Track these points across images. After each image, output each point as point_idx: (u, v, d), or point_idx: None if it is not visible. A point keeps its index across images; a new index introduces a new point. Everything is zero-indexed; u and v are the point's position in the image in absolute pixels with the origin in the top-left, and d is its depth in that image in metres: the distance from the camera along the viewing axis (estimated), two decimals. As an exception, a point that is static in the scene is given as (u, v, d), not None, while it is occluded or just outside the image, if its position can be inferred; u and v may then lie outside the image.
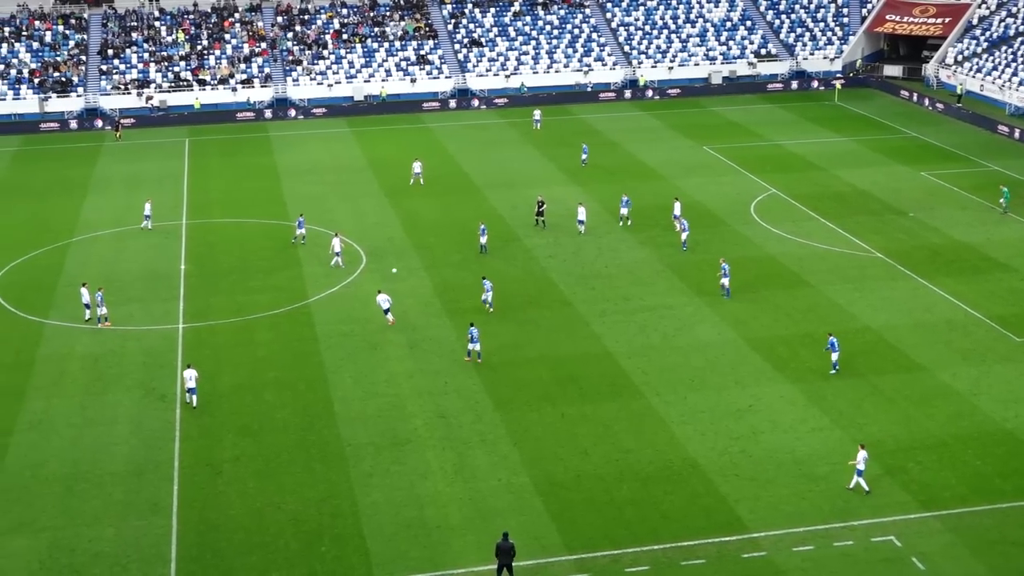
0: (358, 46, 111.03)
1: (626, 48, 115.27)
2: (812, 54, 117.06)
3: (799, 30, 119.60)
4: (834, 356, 50.15)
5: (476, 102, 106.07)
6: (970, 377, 49.47)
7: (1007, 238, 67.39)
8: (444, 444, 44.31)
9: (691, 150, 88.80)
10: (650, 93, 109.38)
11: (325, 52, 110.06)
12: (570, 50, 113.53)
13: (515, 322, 55.55)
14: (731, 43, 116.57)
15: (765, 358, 51.41)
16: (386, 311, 55.11)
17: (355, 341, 53.51)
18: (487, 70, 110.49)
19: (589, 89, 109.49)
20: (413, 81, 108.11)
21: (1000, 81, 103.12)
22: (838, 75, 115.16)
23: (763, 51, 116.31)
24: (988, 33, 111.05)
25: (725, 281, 58.44)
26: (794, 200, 74.89)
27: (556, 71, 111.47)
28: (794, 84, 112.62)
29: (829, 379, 49.11)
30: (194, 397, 47.29)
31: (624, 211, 69.06)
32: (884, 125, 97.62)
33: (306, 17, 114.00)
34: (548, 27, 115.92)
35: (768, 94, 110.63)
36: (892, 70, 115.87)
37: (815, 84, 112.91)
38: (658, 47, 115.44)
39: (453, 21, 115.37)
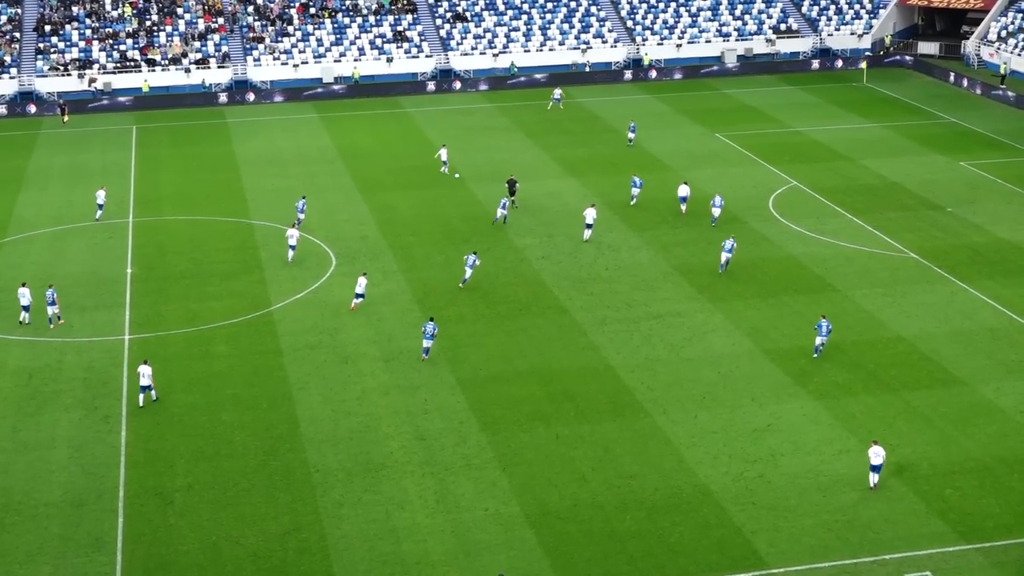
0: (327, 21, 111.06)
1: (629, 23, 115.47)
2: (837, 30, 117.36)
3: (823, 3, 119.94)
4: (818, 340, 52.12)
5: (460, 84, 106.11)
6: (1016, 392, 49.53)
7: (1057, 236, 67.59)
8: (424, 470, 44.25)
9: (702, 137, 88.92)
10: (656, 74, 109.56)
11: (290, 28, 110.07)
12: (566, 26, 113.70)
13: (504, 331, 55.55)
14: (747, 18, 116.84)
15: (785, 371, 51.46)
16: (357, 295, 56.21)
17: (324, 354, 53.46)
18: (472, 48, 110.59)
19: (588, 69, 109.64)
20: (389, 61, 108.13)
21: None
22: (867, 53, 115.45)
23: (783, 26, 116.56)
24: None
25: (725, 256, 60.88)
26: (817, 194, 75.03)
27: (550, 49, 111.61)
28: (817, 64, 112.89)
29: (857, 396, 49.17)
30: (153, 392, 48.65)
31: (716, 211, 69.38)
32: (918, 109, 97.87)
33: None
34: (541, 0, 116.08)
35: (788, 74, 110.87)
36: (927, 47, 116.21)
37: (841, 63, 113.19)
38: (665, 22, 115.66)
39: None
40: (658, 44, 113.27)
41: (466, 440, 46.23)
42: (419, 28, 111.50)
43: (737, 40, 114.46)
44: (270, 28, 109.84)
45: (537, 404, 48.90)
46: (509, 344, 54.34)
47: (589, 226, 66.79)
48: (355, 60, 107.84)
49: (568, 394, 49.66)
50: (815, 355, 52.68)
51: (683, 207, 71.08)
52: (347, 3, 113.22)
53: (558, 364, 52.37)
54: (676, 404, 48.75)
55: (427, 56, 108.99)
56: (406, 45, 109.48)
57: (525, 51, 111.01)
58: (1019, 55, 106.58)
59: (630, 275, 62.24)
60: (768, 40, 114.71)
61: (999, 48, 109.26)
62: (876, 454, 42.67)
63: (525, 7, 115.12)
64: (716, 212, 69.43)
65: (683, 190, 71.53)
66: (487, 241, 66.88)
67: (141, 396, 48.89)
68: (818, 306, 57.89)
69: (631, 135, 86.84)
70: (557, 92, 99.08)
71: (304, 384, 50.73)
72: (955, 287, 60.47)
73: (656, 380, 50.79)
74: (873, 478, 42.72)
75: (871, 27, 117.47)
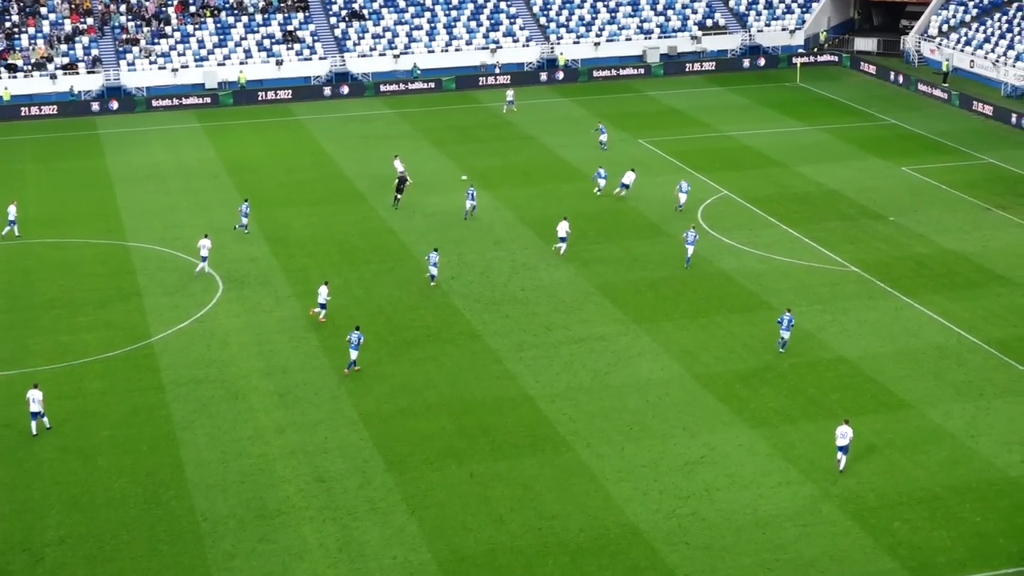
0: (209, 21, 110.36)
1: (542, 20, 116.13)
2: (768, 25, 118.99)
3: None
4: (785, 335, 54.64)
5: (356, 88, 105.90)
6: (966, 415, 50.34)
7: (1007, 245, 68.88)
8: (324, 515, 43.94)
9: (624, 144, 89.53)
10: (571, 75, 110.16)
11: (168, 29, 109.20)
12: (473, 23, 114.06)
13: (410, 360, 55.40)
14: (670, 13, 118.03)
15: (719, 398, 51.83)
16: (321, 306, 58.53)
17: (211, 389, 52.94)
18: (371, 49, 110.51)
19: (498, 71, 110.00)
20: (279, 63, 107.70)
21: (993, 56, 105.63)
22: (800, 50, 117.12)
23: (709, 23, 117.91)
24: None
25: (689, 249, 64.67)
26: (750, 204, 75.85)
27: (457, 49, 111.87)
28: (747, 62, 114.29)
29: (797, 423, 49.64)
30: (45, 419, 49.34)
31: (683, 197, 74.20)
32: (856, 110, 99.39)
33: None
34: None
35: (716, 74, 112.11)
36: (865, 43, 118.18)
37: (771, 62, 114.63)
38: (581, 19, 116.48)
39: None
40: (574, 43, 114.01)
41: (370, 481, 45.96)
42: (311, 27, 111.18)
43: (660, 38, 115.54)
44: (146, 29, 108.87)
45: (449, 439, 48.76)
46: (417, 374, 54.17)
47: (563, 239, 67.40)
48: (241, 63, 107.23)
49: (482, 428, 49.57)
50: (780, 350, 55.28)
51: (622, 192, 76.56)
52: (231, 0, 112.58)
53: (471, 395, 52.28)
54: (601, 436, 48.85)
55: (321, 58, 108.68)
56: (297, 46, 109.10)
57: (429, 51, 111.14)
58: (962, 51, 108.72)
59: (548, 295, 62.38)
60: (693, 37, 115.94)
61: (941, 44, 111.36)
62: (843, 435, 45.40)
63: (428, 3, 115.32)
64: (683, 198, 73.77)
65: (628, 177, 76.70)
66: (390, 260, 66.74)
67: (33, 423, 48.71)
68: (752, 325, 58.44)
69: (603, 137, 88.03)
70: (510, 94, 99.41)
71: (189, 423, 50.16)
72: (899, 303, 61.37)
73: (579, 410, 50.88)
74: (841, 460, 45.55)
75: (804, 22, 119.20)
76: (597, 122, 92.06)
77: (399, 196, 75.09)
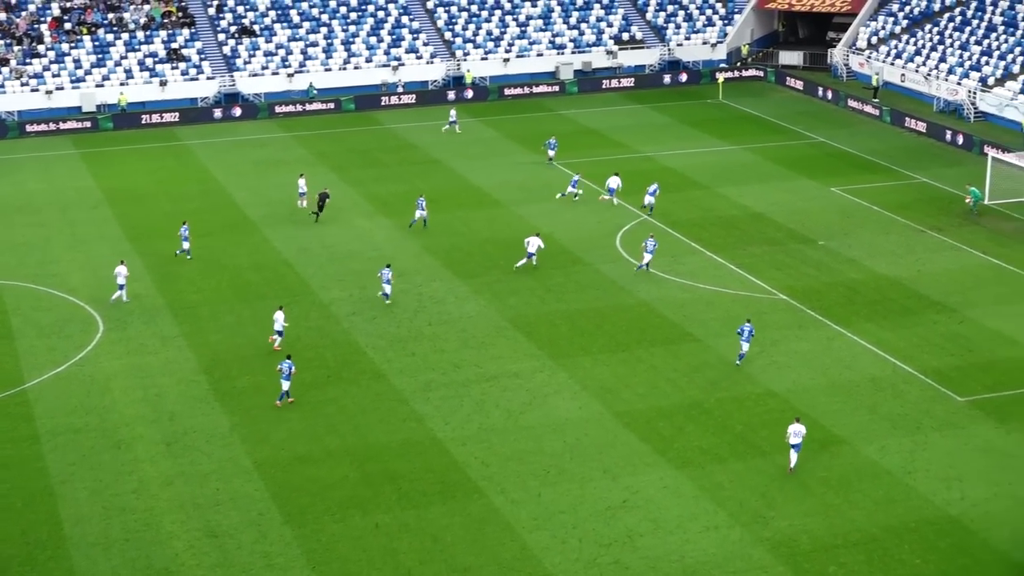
0: (87, 39, 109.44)
1: (447, 36, 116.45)
2: (688, 39, 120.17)
3: (670, 8, 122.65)
4: (744, 346, 57.44)
5: (248, 110, 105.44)
6: (903, 450, 50.90)
7: (942, 269, 69.87)
8: (217, 573, 43.48)
9: (536, 167, 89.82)
10: (480, 94, 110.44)
11: (41, 48, 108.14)
12: (373, 39, 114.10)
13: (310, 403, 55.09)
14: (584, 27, 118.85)
15: (642, 438, 52.00)
16: (278, 333, 59.73)
17: (91, 439, 52.28)
18: (263, 68, 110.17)
19: (400, 90, 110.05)
20: (163, 84, 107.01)
21: (925, 69, 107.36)
22: (722, 65, 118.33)
23: (625, 36, 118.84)
24: (908, 8, 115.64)
25: (647, 257, 67.80)
26: (671, 228, 76.35)
27: (356, 67, 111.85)
28: (667, 78, 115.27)
29: (725, 462, 49.90)
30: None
31: (649, 199, 78.91)
32: (783, 128, 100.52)
33: (13, 1, 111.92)
34: (343, 9, 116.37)
35: (634, 91, 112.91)
36: (790, 57, 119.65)
37: (693, 77, 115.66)
38: (489, 33, 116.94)
39: (215, 3, 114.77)
40: (482, 59, 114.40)
41: (267, 535, 45.60)
42: (198, 45, 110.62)
43: (574, 53, 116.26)
44: (16, 48, 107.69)
45: (351, 488, 48.51)
46: (316, 418, 53.86)
47: (531, 255, 69.08)
48: (121, 84, 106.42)
49: (388, 475, 49.38)
50: (737, 363, 57.81)
51: (613, 199, 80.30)
52: (110, 16, 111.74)
53: (375, 440, 52.08)
54: (516, 481, 48.82)
55: (208, 78, 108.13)
56: (183, 65, 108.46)
57: (326, 70, 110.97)
58: (892, 64, 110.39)
59: (458, 331, 62.35)
60: (609, 52, 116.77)
61: (870, 57, 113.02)
62: (796, 433, 48.26)
63: (324, 18, 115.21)
64: (650, 200, 78.31)
65: (613, 181, 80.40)
66: (286, 295, 66.41)
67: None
68: (675, 359, 58.77)
69: (551, 152, 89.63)
70: (453, 113, 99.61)
71: (68, 476, 49.48)
72: (831, 332, 61.99)
73: (492, 454, 50.83)
74: (792, 459, 48.53)
75: (726, 35, 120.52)
76: (549, 137, 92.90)
77: (319, 212, 77.40)
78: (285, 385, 54.47)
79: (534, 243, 69.38)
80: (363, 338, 61.55)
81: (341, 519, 46.51)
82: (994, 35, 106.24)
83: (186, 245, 72.21)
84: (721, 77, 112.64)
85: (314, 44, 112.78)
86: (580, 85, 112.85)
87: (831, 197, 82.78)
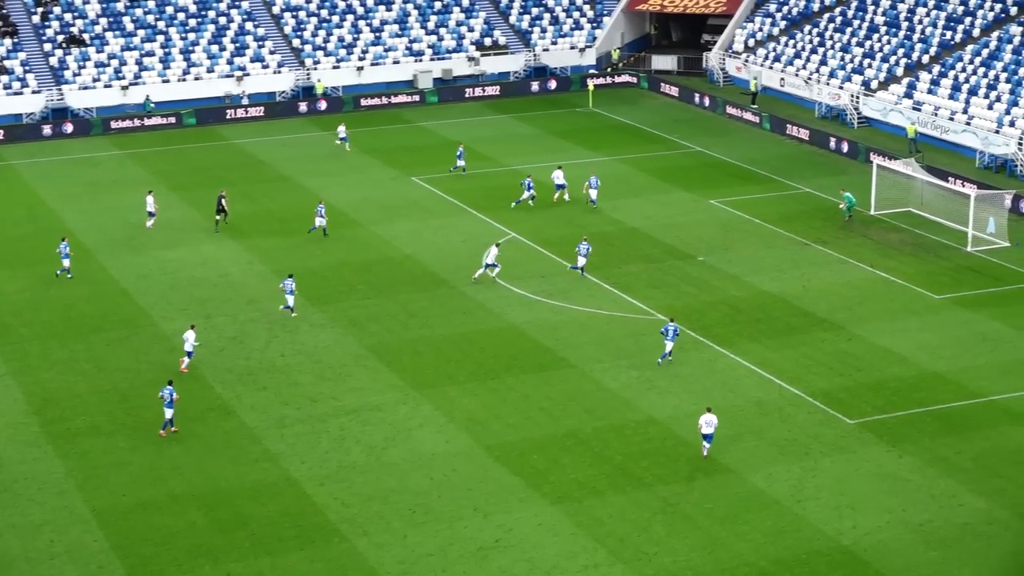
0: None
1: (296, 42, 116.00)
2: (555, 43, 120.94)
3: (535, 11, 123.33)
4: (668, 346, 60.27)
5: (81, 127, 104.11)
6: (791, 478, 51.50)
7: (828, 284, 70.92)
8: (53, 634, 42.81)
9: (394, 183, 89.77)
10: (335, 105, 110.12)
11: None
12: (215, 47, 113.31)
13: (152, 445, 54.45)
14: (443, 32, 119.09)
15: (514, 472, 52.07)
16: (188, 353, 60.53)
17: (-90, 489, 51.25)
18: (94, 80, 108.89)
19: (245, 102, 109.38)
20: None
21: (805, 73, 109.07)
22: (592, 71, 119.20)
23: (488, 41, 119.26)
24: (786, 9, 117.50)
25: (582, 261, 70.59)
26: (541, 246, 76.66)
27: (196, 78, 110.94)
28: (536, 85, 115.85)
29: (604, 495, 50.13)
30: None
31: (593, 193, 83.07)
32: (657, 137, 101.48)
33: None
34: (182, 15, 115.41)
35: (499, 100, 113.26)
36: (663, 62, 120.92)
37: (563, 85, 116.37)
38: (341, 40, 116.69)
39: (40, 10, 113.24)
40: (334, 67, 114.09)
41: (108, 590, 45.01)
42: (21, 56, 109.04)
43: (433, 60, 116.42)
44: None
45: (200, 535, 48.02)
46: (160, 460, 53.25)
47: (491, 265, 70.84)
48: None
49: (240, 519, 48.95)
50: (659, 362, 60.55)
51: (565, 195, 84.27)
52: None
53: (225, 482, 51.59)
54: (379, 523, 48.65)
55: (34, 92, 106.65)
56: (5, 78, 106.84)
57: (164, 81, 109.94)
58: (771, 68, 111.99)
59: (313, 361, 62.03)
60: (471, 59, 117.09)
61: (747, 61, 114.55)
62: (708, 423, 51.89)
63: (161, 25, 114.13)
64: (593, 194, 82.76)
65: (558, 176, 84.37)
66: (124, 327, 65.67)
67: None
68: (548, 386, 58.98)
69: (461, 163, 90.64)
70: (342, 130, 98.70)
71: None
72: (713, 353, 62.63)
73: (352, 494, 50.59)
74: (705, 448, 52.16)
75: (595, 39, 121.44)
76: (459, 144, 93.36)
77: (221, 215, 79.81)
78: (168, 413, 54.49)
79: (492, 253, 70.58)
80: (210, 372, 60.98)
81: (189, 569, 46.00)
82: (876, 36, 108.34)
83: (67, 263, 71.90)
84: (591, 84, 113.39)
85: (150, 54, 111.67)
86: (441, 94, 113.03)
87: (710, 210, 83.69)
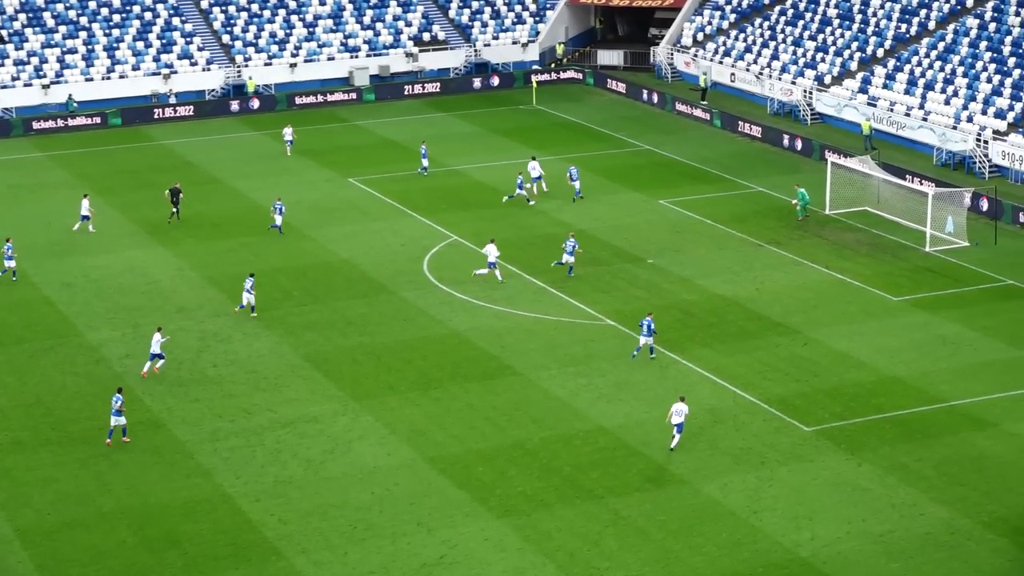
0: None
1: (225, 38, 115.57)
2: (496, 38, 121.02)
3: (476, 4, 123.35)
4: (641, 341, 61.64)
5: (0, 128, 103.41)
6: (746, 488, 51.57)
7: (782, 287, 71.18)
8: (-24, 660, 42.39)
9: (330, 185, 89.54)
10: (268, 103, 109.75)
11: None
12: (140, 44, 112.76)
13: (78, 460, 54.02)
14: (380, 27, 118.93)
15: (459, 484, 51.95)
16: (154, 357, 60.86)
17: None
18: (13, 79, 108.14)
19: (173, 101, 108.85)
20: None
21: (756, 68, 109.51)
22: (535, 67, 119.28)
23: (426, 36, 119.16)
24: (735, 1, 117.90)
25: (569, 259, 71.63)
26: (483, 249, 76.56)
27: (121, 76, 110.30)
28: (476, 82, 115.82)
29: (552, 508, 50.08)
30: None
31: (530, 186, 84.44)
32: (604, 135, 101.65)
33: None
34: (105, 10, 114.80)
35: (440, 98, 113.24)
36: (609, 56, 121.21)
37: (506, 81, 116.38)
38: (273, 36, 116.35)
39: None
40: (266, 64, 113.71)
41: (34, 614, 44.66)
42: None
43: (369, 56, 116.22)
44: None
45: (130, 555, 47.71)
46: (86, 477, 52.85)
47: (492, 265, 71.52)
48: None
49: (172, 538, 48.65)
50: (634, 353, 62.03)
51: (543, 185, 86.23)
52: None
53: (156, 499, 51.25)
54: (319, 539, 48.44)
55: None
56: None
57: (87, 80, 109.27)
58: (721, 63, 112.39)
59: (247, 371, 61.76)
60: (409, 54, 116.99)
61: (696, 55, 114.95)
62: (678, 412, 53.51)
63: (83, 21, 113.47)
64: (577, 185, 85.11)
65: (534, 168, 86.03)
66: (48, 337, 65.26)
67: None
68: (494, 395, 58.92)
69: (425, 163, 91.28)
70: (288, 132, 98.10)
71: None
72: (665, 359, 62.70)
73: (290, 510, 50.35)
74: (675, 439, 53.78)
75: (538, 34, 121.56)
76: (421, 142, 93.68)
77: (175, 210, 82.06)
78: (116, 421, 54.75)
79: (492, 251, 71.03)
80: (139, 383, 60.58)
81: (119, 591, 45.76)
82: (829, 29, 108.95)
83: (10, 264, 72.45)
84: (534, 80, 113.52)
85: (72, 51, 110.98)
86: (378, 92, 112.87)
87: (659, 210, 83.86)
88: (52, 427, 56.69)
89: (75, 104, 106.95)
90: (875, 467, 52.81)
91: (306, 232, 79.69)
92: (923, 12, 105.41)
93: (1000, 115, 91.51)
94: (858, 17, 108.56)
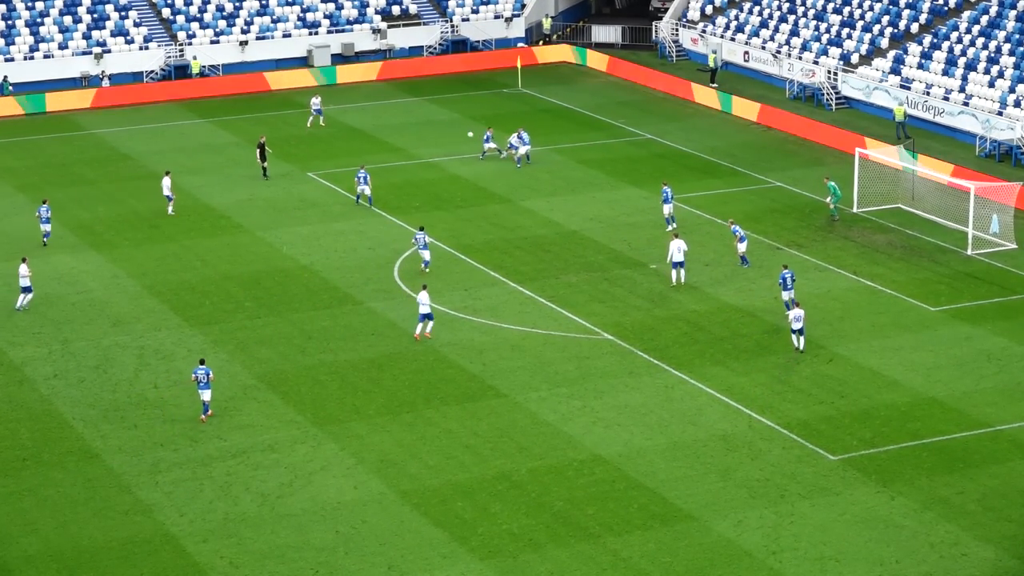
0: None
1: (166, 14, 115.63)
2: (476, 12, 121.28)
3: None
4: (785, 295, 66.43)
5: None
6: (764, 525, 51.67)
7: (805, 295, 70.95)
8: None
9: (287, 180, 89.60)
10: (208, 86, 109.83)
11: None
12: (68, 19, 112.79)
13: (0, 496, 54.05)
14: (343, 0, 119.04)
15: (436, 522, 52.00)
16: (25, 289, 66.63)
17: None
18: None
19: (106, 84, 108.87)
20: None
21: (773, 45, 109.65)
22: (520, 44, 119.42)
23: (396, 10, 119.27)
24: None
25: (524, 148, 75.54)
26: (464, 254, 76.72)
27: (46, 56, 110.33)
28: (461, 64, 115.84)
29: (542, 548, 50.10)
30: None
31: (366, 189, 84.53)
32: (599, 122, 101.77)
33: None
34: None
35: (410, 80, 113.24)
36: (605, 33, 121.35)
37: (484, 61, 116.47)
38: (220, 9, 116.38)
39: None
40: (212, 42, 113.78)
41: (-50, 671, 44.70)
42: None
43: (330, 32, 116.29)
44: None
45: (60, 604, 47.81)
46: (9, 515, 52.83)
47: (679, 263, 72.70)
48: None
49: (107, 584, 48.77)
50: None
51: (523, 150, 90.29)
52: None
53: (89, 539, 51.25)
54: (276, 585, 48.64)
55: None
56: None
57: (7, 60, 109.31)
58: (733, 40, 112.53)
59: (192, 393, 61.69)
60: (376, 31, 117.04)
61: (704, 31, 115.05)
62: (796, 318, 62.90)
63: (14, 2, 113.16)
64: (525, 150, 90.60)
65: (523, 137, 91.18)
66: (-35, 356, 65.38)
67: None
68: (475, 420, 58.97)
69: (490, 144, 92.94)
70: (316, 101, 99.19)
71: None
72: (670, 379, 62.81)
73: (243, 551, 50.40)
74: (800, 341, 63.67)
75: (523, 7, 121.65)
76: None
77: (265, 165, 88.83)
78: (205, 395, 58.97)
79: (678, 246, 72.27)
80: (68, 407, 60.60)
81: (47, 645, 45.87)
82: (856, 1, 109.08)
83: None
84: (519, 60, 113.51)
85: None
86: (341, 74, 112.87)
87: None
88: (-32, 458, 56.81)
89: (11, 89, 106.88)
90: (911, 501, 52.88)
91: (259, 234, 79.73)
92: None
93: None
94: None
